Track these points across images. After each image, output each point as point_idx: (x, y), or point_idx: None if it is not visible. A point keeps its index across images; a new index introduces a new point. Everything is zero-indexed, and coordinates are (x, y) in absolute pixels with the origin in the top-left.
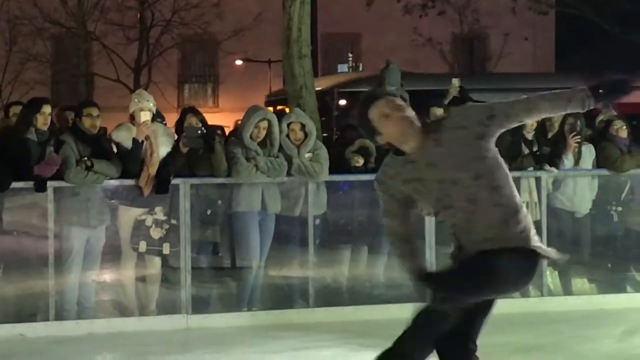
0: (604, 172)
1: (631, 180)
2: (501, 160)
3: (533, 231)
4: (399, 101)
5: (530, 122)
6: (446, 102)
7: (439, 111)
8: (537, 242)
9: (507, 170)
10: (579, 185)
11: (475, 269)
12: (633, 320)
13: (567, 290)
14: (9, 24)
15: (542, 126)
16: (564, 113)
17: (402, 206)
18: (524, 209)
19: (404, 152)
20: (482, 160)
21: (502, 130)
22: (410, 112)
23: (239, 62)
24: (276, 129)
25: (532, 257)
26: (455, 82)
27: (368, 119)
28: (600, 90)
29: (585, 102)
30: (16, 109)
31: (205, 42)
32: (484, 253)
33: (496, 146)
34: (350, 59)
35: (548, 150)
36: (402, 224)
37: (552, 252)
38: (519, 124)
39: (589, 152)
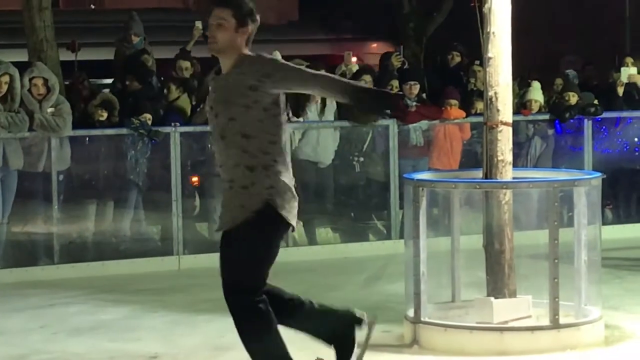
0: (346, 123)
1: (373, 132)
2: (275, 119)
3: (285, 195)
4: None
5: None
6: (190, 46)
7: (185, 64)
8: (282, 206)
9: (275, 129)
10: (322, 136)
11: None
12: (374, 268)
13: (312, 240)
14: None
15: None
16: None
17: None
18: (283, 171)
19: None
20: (245, 107)
21: (280, 90)
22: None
23: None
24: (17, 83)
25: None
26: (199, 25)
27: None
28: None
29: (351, 104)
30: None
31: None
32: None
33: None
34: (93, 7)
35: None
36: None
37: (292, 219)
38: (291, 91)
39: (331, 104)
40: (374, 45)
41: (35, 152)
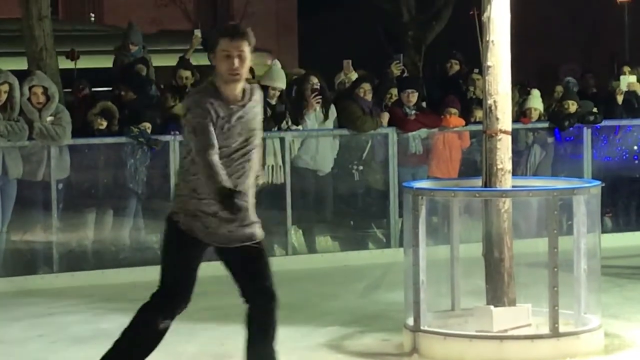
0: (345, 131)
1: (372, 140)
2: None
3: (203, 201)
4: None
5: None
6: (189, 55)
7: (185, 73)
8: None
9: (193, 136)
10: (321, 144)
11: None
12: (374, 276)
13: (311, 248)
14: None
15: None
16: None
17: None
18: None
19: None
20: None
21: None
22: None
23: None
24: (17, 92)
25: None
26: (198, 33)
27: (216, 43)
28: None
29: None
30: None
31: None
32: None
33: None
34: (93, 19)
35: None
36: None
37: (198, 230)
38: None
39: (331, 112)
40: None
41: (35, 161)
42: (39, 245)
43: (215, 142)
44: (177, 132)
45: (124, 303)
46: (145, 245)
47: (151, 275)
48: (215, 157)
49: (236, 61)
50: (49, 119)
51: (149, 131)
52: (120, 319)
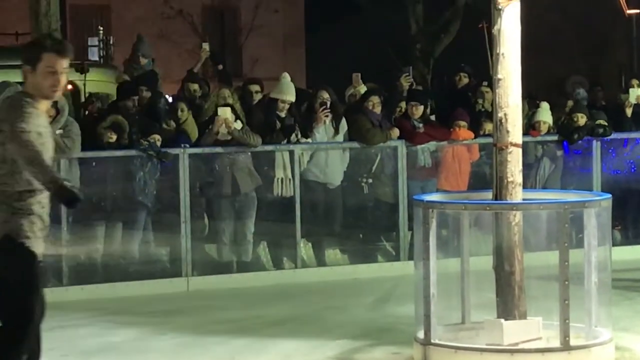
0: (355, 144)
1: (381, 153)
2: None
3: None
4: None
5: (282, 101)
6: (198, 67)
7: (193, 86)
8: None
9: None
10: (330, 157)
11: None
12: (384, 289)
13: (321, 262)
14: None
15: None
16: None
17: None
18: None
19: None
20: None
21: None
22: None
23: None
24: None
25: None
26: (206, 46)
27: (39, 59)
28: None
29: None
30: None
31: None
32: None
33: (251, 122)
34: (101, 32)
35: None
36: None
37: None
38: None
39: (341, 126)
40: None
41: None
42: (49, 258)
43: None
44: (187, 145)
45: (133, 316)
46: (155, 258)
47: (161, 288)
48: None
49: (61, 78)
50: (59, 131)
51: (158, 144)
52: (130, 332)
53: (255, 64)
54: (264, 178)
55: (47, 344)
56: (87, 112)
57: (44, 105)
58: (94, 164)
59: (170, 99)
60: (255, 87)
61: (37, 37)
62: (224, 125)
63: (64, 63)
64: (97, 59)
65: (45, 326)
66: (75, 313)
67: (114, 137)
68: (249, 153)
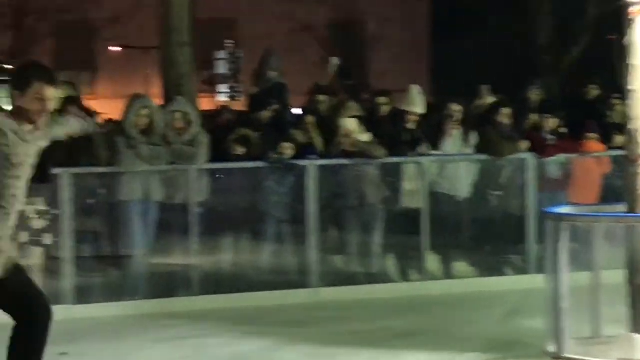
0: (483, 157)
1: (510, 166)
2: None
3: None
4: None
5: (411, 112)
6: (328, 81)
7: (322, 98)
8: None
9: None
10: (459, 169)
11: None
12: (512, 303)
13: (448, 274)
14: None
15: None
16: None
17: None
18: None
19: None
20: None
21: None
22: None
23: (114, 49)
24: (157, 117)
25: None
26: (334, 61)
27: (29, 85)
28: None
29: None
30: None
31: (82, 29)
32: None
33: (379, 133)
34: (232, 45)
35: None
36: None
37: None
38: None
39: (471, 138)
40: None
41: (175, 185)
42: (179, 268)
43: None
44: (315, 157)
45: (262, 326)
46: (283, 269)
47: (289, 298)
48: None
49: (48, 105)
50: (188, 143)
51: (289, 154)
52: (260, 342)
53: (381, 76)
54: (391, 190)
55: (177, 353)
56: (217, 124)
57: (27, 127)
58: (222, 175)
59: (297, 112)
60: (383, 99)
61: (27, 64)
62: (349, 137)
63: (52, 91)
64: (225, 72)
65: (176, 335)
66: (204, 322)
67: (242, 151)
68: (376, 165)
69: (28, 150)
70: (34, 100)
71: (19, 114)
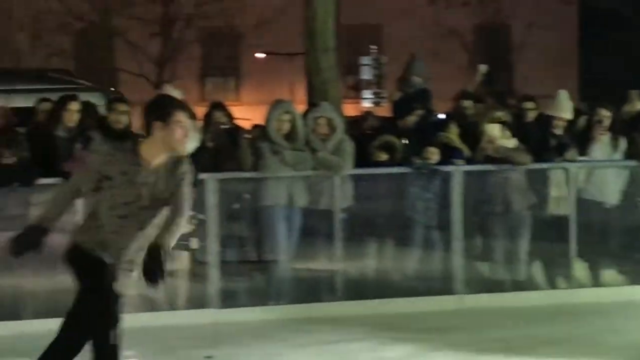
0: (633, 163)
1: None
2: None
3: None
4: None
5: (559, 118)
6: (475, 87)
7: (467, 103)
8: None
9: None
10: (608, 175)
11: None
12: None
13: (596, 282)
14: (33, 19)
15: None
16: None
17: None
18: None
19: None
20: None
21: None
22: None
23: (260, 56)
24: (299, 122)
25: None
26: (483, 68)
27: (170, 114)
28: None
29: None
30: (45, 106)
31: (228, 35)
32: None
33: (525, 139)
34: (376, 50)
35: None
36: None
37: None
38: None
39: (621, 143)
40: None
41: (319, 190)
42: (323, 273)
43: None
44: (461, 162)
45: (407, 332)
46: (428, 275)
47: (434, 305)
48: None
49: (187, 132)
50: (332, 149)
51: (435, 157)
52: (404, 348)
53: (527, 81)
54: (538, 196)
55: (320, 358)
56: (361, 130)
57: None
58: (366, 181)
59: (441, 117)
60: (529, 104)
61: (163, 96)
62: (492, 142)
63: (187, 119)
64: (369, 77)
65: (320, 339)
66: (348, 327)
67: (385, 157)
68: (522, 171)
69: (139, 191)
70: (177, 129)
71: (156, 144)
